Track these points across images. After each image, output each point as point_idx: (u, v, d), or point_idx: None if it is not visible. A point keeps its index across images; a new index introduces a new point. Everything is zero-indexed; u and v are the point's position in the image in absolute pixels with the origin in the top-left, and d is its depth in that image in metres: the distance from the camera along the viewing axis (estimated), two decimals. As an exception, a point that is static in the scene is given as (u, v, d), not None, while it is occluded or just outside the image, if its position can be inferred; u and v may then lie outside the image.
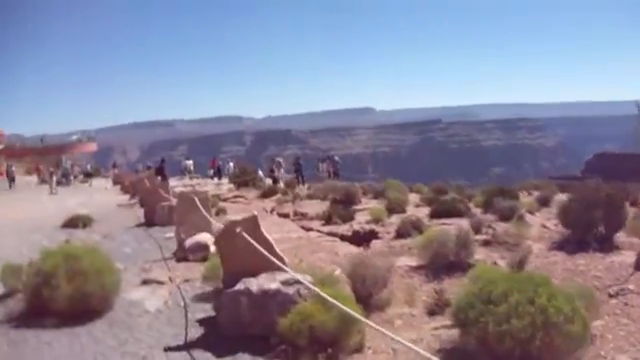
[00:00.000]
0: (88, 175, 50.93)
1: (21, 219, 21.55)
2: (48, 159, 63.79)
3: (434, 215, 18.06)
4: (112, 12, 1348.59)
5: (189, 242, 11.92)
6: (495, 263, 10.61)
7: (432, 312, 8.26)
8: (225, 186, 35.15)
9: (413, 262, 11.30)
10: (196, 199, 12.60)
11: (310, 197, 27.25)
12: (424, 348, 6.14)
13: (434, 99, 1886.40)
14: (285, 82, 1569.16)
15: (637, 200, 19.37)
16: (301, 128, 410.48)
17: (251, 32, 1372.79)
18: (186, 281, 9.81)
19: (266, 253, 6.57)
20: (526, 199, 22.17)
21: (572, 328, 5.37)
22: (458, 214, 17.66)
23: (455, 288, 8.85)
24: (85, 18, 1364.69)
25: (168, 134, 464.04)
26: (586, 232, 11.44)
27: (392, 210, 19.89)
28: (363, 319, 5.52)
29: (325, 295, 5.73)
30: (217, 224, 12.19)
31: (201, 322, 7.53)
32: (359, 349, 6.44)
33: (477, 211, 18.87)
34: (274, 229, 17.51)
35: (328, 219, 19.79)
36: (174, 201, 18.45)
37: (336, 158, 40.92)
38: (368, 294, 8.52)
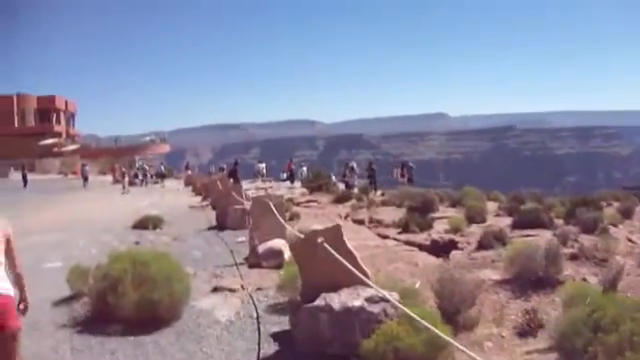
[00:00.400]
0: (161, 176, 51.39)
1: (93, 218, 21.67)
2: (122, 160, 65.03)
3: (516, 225, 17.34)
4: (186, 16, 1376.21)
5: (262, 248, 11.50)
6: (585, 280, 9.81)
7: (523, 333, 7.58)
8: (298, 190, 34.79)
9: (497, 276, 10.60)
10: (271, 204, 12.17)
11: (385, 203, 26.64)
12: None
13: (508, 105, 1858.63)
14: (358, 86, 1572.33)
15: None
16: (373, 133, 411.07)
17: (325, 36, 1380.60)
18: (259, 289, 9.37)
19: (349, 266, 6.03)
20: (607, 210, 21.09)
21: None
22: (541, 225, 16.87)
23: (546, 307, 8.25)
24: (160, 23, 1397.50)
25: (241, 137, 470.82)
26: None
27: (471, 219, 19.30)
28: (456, 344, 4.94)
29: (415, 316, 5.17)
30: (292, 230, 11.74)
31: (275, 337, 7.07)
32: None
33: (558, 222, 18.01)
34: (350, 236, 16.85)
35: (405, 227, 19.21)
36: (247, 204, 18.17)
37: (410, 164, 40.06)
38: (455, 311, 7.90)
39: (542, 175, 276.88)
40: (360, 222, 22.17)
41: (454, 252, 15.48)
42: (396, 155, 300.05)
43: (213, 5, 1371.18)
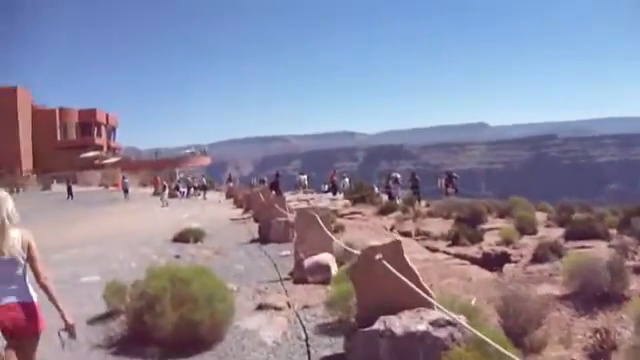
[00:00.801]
0: (203, 188, 51.32)
1: (133, 231, 21.44)
2: (162, 172, 65.35)
3: (569, 236, 16.64)
4: (227, 30, 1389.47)
5: (308, 262, 10.95)
6: (653, 294, 9.07)
7: (596, 356, 6.92)
8: (340, 202, 34.23)
9: (557, 291, 9.93)
10: (317, 216, 11.62)
11: (431, 215, 25.94)
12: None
13: (549, 114, 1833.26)
14: (398, 97, 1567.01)
15: None
16: (413, 143, 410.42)
17: (364, 48, 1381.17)
18: (306, 307, 8.84)
19: (412, 285, 5.43)
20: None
21: None
22: (595, 236, 16.20)
23: (615, 325, 7.57)
24: (200, 37, 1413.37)
25: (281, 149, 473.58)
26: None
27: (522, 230, 18.66)
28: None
29: (490, 341, 4.57)
30: (340, 243, 11.17)
31: (326, 361, 6.49)
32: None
33: (611, 232, 17.27)
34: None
35: (455, 239, 18.57)
36: (290, 217, 17.69)
37: (454, 174, 39.23)
38: (521, 332, 7.26)
39: (584, 184, 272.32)
40: (407, 234, 21.57)
41: (507, 265, 14.96)
42: (436, 165, 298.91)
43: (254, 19, 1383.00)
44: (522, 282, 11.85)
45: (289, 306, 8.90)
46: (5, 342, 4.23)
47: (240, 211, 29.97)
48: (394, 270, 5.60)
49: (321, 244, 11.40)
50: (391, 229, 23.05)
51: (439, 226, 21.98)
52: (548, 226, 20.46)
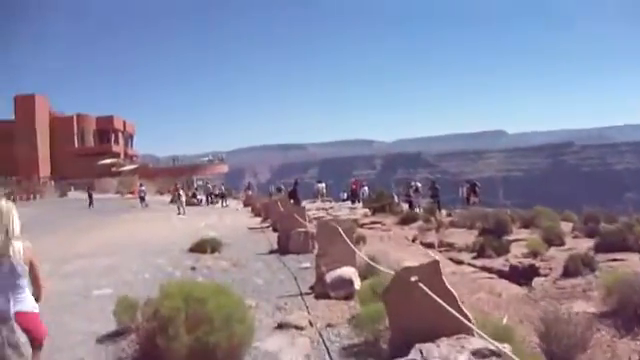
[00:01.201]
0: (222, 196, 51.01)
1: (148, 239, 21.05)
2: (179, 179, 65.19)
3: (599, 248, 16.02)
4: (245, 38, 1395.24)
5: (330, 276, 10.44)
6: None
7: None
8: (360, 211, 33.76)
9: (593, 308, 9.42)
10: (339, 228, 11.10)
11: (454, 225, 25.39)
12: None
13: (567, 121, 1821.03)
14: (416, 105, 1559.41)
15: None
16: (431, 151, 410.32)
17: (380, 56, 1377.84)
18: (329, 326, 8.37)
19: (452, 310, 4.90)
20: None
21: None
22: (626, 248, 15.58)
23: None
24: (218, 45, 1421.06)
25: (299, 157, 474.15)
26: None
27: (548, 241, 18.15)
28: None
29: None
30: (363, 257, 10.67)
31: (354, 389, 6.01)
32: None
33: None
34: (422, 261, 15.93)
35: (480, 251, 18.03)
36: (310, 227, 17.22)
37: (476, 183, 38.59)
38: (565, 357, 6.76)
39: (602, 191, 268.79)
40: (429, 245, 21.12)
41: (537, 279, 14.45)
42: (455, 173, 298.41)
43: (273, 27, 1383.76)
44: (554, 298, 11.37)
45: (311, 324, 8.43)
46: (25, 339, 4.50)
47: (258, 220, 29.60)
48: (432, 293, 5.08)
49: (344, 257, 10.90)
50: (413, 240, 22.60)
51: (463, 237, 21.53)
52: (575, 237, 19.91)
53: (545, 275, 14.71)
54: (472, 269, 16.17)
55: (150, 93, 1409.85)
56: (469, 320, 5.21)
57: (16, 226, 4.68)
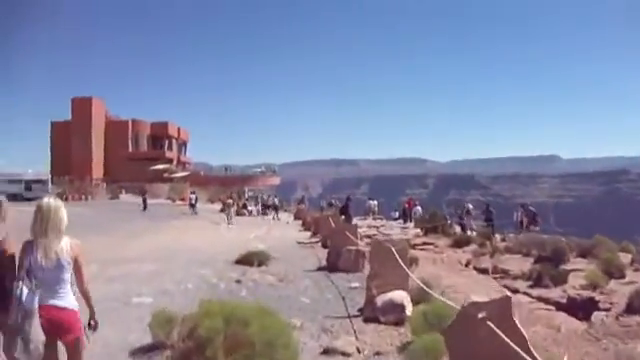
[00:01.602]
0: (275, 208, 50.91)
1: (194, 248, 20.89)
2: (231, 189, 65.30)
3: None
4: (301, 53, 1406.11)
5: (381, 300, 9.92)
6: None
7: None
8: (411, 231, 33.12)
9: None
10: (393, 249, 10.55)
11: (508, 250, 24.55)
12: None
13: (622, 148, 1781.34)
14: (471, 126, 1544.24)
15: None
16: (484, 173, 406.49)
17: (438, 76, 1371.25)
18: (378, 354, 7.92)
19: (523, 354, 4.33)
20: None
21: None
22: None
23: None
24: (274, 58, 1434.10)
25: (351, 172, 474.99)
26: None
27: (608, 273, 17.27)
28: None
29: None
30: (417, 281, 10.12)
31: None
32: None
33: None
34: (475, 288, 15.39)
35: (537, 280, 17.27)
36: (361, 245, 16.71)
37: (531, 208, 37.53)
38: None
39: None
40: (483, 271, 20.39)
41: (597, 314, 13.64)
42: (507, 197, 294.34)
43: (329, 43, 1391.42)
44: (618, 336, 10.73)
45: (359, 351, 7.93)
46: (44, 338, 4.55)
47: (308, 234, 29.20)
48: (500, 333, 4.52)
49: (396, 280, 10.36)
50: (466, 264, 21.91)
51: (518, 264, 20.80)
52: (636, 270, 18.96)
53: (606, 310, 14.00)
54: (528, 299, 15.49)
55: (206, 102, 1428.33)
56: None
57: (64, 223, 4.81)
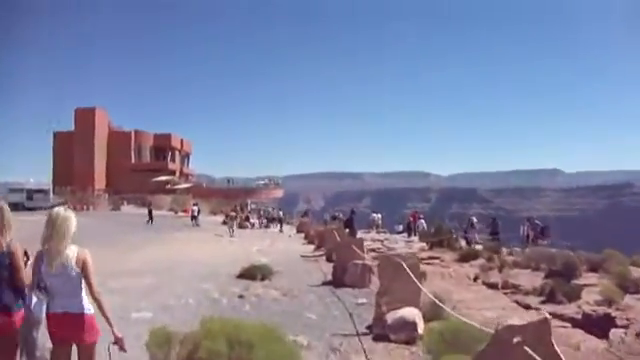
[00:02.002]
0: (279, 221, 50.65)
1: (196, 260, 20.49)
2: (235, 202, 65.04)
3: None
4: (302, 65, 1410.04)
5: (391, 317, 9.45)
6: None
7: None
8: (416, 244, 32.66)
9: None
10: (404, 264, 10.08)
11: (517, 265, 24.06)
12: None
13: (626, 162, 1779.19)
14: (473, 140, 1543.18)
15: None
16: (487, 187, 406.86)
17: (440, 89, 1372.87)
18: (390, 376, 7.34)
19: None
20: None
21: None
22: None
23: None
24: (276, 71, 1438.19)
25: (353, 185, 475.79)
26: None
27: (623, 288, 16.69)
28: None
29: None
30: (432, 298, 9.65)
31: None
32: None
33: None
34: (485, 304, 14.91)
35: (549, 295, 16.76)
36: (367, 259, 16.26)
37: (537, 221, 37.12)
38: None
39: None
40: (492, 286, 19.85)
41: (614, 331, 13.15)
42: (510, 210, 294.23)
43: (332, 55, 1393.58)
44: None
45: (371, 373, 7.45)
46: (50, 345, 4.73)
47: (311, 247, 28.71)
48: (538, 358, 4.06)
49: (406, 296, 9.89)
50: (475, 279, 21.40)
51: (528, 279, 20.24)
52: (651, 285, 18.48)
53: (624, 327, 13.49)
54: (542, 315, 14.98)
55: (209, 114, 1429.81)
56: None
57: (73, 233, 4.89)
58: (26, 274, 5.07)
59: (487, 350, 4.75)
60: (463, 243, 33.36)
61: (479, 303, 15.03)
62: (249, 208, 66.56)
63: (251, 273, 16.08)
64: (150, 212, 46.61)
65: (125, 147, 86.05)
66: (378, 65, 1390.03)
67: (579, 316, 14.84)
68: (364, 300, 12.81)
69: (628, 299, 15.69)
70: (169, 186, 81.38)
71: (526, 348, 4.15)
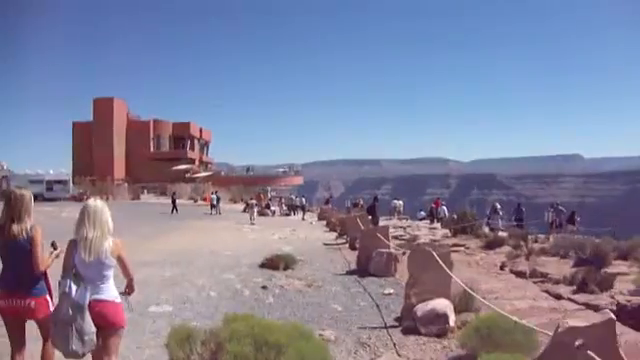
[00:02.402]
0: (302, 208, 50.32)
1: (217, 250, 20.14)
2: (255, 189, 64.85)
3: None
4: (331, 54, 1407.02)
5: (422, 309, 8.99)
6: None
7: None
8: (439, 231, 32.19)
9: None
10: (435, 254, 9.61)
11: (544, 252, 23.47)
12: None
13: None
14: (492, 126, 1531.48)
15: None
16: (506, 173, 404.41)
17: (459, 76, 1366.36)
18: (424, 373, 6.92)
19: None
20: None
21: None
22: None
23: None
24: (295, 61, 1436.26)
25: (373, 172, 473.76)
26: None
27: (655, 277, 16.09)
28: None
29: None
30: (468, 290, 9.21)
31: None
32: None
33: None
34: (516, 294, 14.36)
35: (581, 284, 16.18)
36: (392, 247, 15.82)
37: (560, 207, 36.46)
38: None
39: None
40: (520, 274, 19.29)
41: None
42: (529, 196, 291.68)
43: (351, 43, 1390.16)
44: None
45: (404, 370, 7.03)
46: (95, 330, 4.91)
47: (334, 235, 28.31)
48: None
49: (437, 287, 9.43)
50: (501, 267, 20.86)
51: (556, 267, 19.64)
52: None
53: (661, 318, 12.91)
54: (575, 306, 14.43)
55: (228, 103, 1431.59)
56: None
57: (109, 223, 5.19)
58: (43, 260, 5.37)
59: (546, 354, 4.29)
60: (486, 230, 32.85)
61: (509, 293, 14.51)
62: (269, 196, 66.28)
63: (274, 262, 15.63)
64: (174, 201, 46.65)
65: (144, 136, 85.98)
66: (395, 51, 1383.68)
67: (613, 307, 14.31)
68: (391, 290, 12.39)
69: (661, 288, 15.16)
70: (188, 175, 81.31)
71: (590, 353, 3.70)
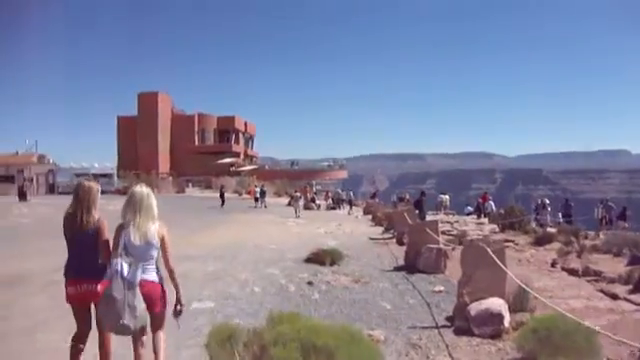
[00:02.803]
0: (349, 202, 49.98)
1: (262, 244, 19.93)
2: (298, 183, 64.70)
3: None
4: (381, 52, 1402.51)
5: (475, 308, 8.55)
6: None
7: None
8: (487, 226, 31.51)
9: None
10: (489, 250, 9.17)
11: (596, 249, 22.74)
12: None
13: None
14: (539, 121, 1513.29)
15: None
16: (552, 168, 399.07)
17: (506, 70, 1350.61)
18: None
19: None
20: None
21: None
22: None
23: None
24: (342, 56, 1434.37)
25: (417, 167, 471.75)
26: None
27: None
28: None
29: None
30: (520, 284, 8.76)
31: None
32: None
33: None
34: (570, 292, 13.81)
35: (638, 284, 15.53)
36: (442, 242, 15.39)
37: (610, 203, 35.54)
38: None
39: None
40: (572, 272, 18.63)
41: None
42: (575, 192, 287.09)
43: (400, 40, 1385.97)
44: None
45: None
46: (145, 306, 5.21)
47: (379, 230, 27.90)
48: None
49: (491, 285, 8.98)
50: (553, 265, 20.23)
51: (610, 265, 18.95)
52: None
53: None
54: (633, 306, 13.83)
55: (273, 97, 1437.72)
56: None
57: (154, 208, 5.53)
58: (108, 252, 5.55)
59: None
60: (533, 225, 32.19)
61: (562, 291, 13.96)
62: (314, 189, 66.07)
63: (319, 257, 15.31)
64: (222, 195, 46.63)
65: (189, 130, 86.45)
66: (440, 49, 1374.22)
67: (673, 309, 13.70)
68: (441, 287, 11.98)
69: None
70: (233, 168, 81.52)
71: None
